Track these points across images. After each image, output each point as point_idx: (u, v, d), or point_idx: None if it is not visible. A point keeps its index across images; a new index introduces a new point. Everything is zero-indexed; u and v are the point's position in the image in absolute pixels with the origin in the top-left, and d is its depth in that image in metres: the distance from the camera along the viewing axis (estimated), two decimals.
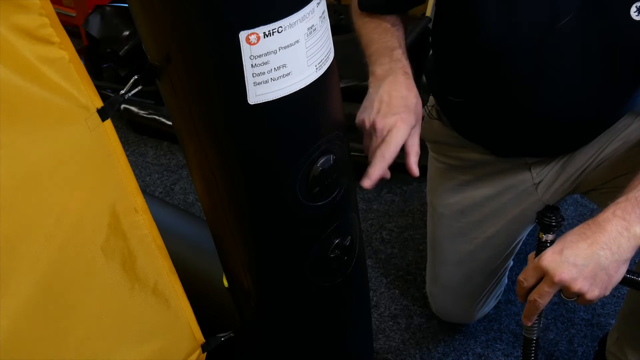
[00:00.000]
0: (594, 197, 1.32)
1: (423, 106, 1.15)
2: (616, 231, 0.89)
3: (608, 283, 0.90)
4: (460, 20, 1.14)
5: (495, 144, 1.29)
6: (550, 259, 0.89)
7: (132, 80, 0.88)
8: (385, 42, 1.13)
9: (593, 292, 0.89)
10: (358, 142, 2.13)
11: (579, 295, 0.90)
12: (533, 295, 0.92)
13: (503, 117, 1.20)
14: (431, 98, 1.41)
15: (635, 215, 0.90)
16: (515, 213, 1.36)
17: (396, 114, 1.02)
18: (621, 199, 0.93)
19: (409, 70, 1.10)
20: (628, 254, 0.89)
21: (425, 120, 1.38)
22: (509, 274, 1.63)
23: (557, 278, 0.88)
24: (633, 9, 0.99)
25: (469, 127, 1.27)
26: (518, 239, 1.43)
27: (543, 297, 0.92)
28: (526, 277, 0.92)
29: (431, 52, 1.38)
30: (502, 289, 1.58)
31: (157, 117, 2.36)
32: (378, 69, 1.09)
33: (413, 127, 1.03)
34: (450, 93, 1.25)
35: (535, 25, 1.06)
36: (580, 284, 0.88)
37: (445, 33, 1.24)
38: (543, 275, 0.90)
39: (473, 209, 1.40)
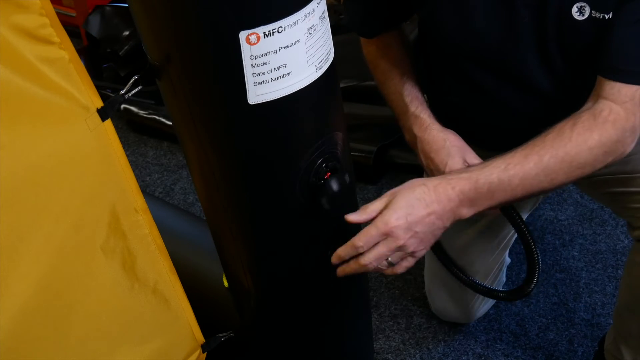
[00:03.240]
0: (584, 186, 1.34)
1: None
2: (450, 207, 0.99)
3: (428, 243, 1.00)
4: (427, 25, 1.21)
5: (484, 140, 1.30)
6: (396, 224, 0.95)
7: (132, 80, 0.88)
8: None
9: (421, 252, 0.99)
10: (358, 142, 2.12)
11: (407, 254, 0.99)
12: (369, 260, 0.96)
13: (485, 116, 1.24)
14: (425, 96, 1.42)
15: (468, 198, 0.99)
16: None
17: None
18: (464, 176, 1.01)
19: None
20: (449, 224, 1.01)
21: None
22: (508, 274, 1.63)
23: (401, 242, 0.96)
24: (574, 9, 1.05)
25: (458, 123, 1.29)
26: (512, 231, 1.44)
27: (379, 259, 0.97)
28: (368, 241, 0.96)
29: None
30: (500, 287, 1.58)
31: (157, 117, 2.35)
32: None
33: None
34: (437, 92, 1.28)
35: (494, 31, 1.11)
36: (415, 247, 0.98)
37: (422, 36, 1.29)
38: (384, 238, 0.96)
39: None
